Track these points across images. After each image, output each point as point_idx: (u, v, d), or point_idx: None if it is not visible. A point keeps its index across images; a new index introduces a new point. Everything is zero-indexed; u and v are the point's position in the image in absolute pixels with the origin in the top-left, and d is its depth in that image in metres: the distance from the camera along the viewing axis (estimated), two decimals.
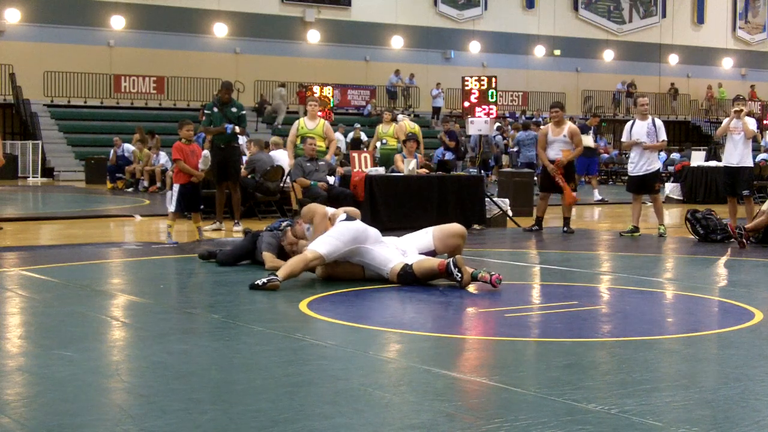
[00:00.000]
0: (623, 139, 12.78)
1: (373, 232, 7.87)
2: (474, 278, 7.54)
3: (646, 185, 12.49)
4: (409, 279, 7.51)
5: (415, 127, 16.99)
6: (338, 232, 7.67)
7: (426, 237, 8.16)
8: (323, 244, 7.56)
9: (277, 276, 7.31)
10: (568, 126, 12.79)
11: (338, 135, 26.81)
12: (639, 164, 12.41)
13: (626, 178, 29.81)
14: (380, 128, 15.18)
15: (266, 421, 3.85)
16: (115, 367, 4.95)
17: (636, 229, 12.38)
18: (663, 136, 12.37)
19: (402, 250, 7.93)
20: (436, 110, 35.66)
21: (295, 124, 13.48)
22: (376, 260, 7.69)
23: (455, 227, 8.30)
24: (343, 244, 7.61)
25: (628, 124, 12.70)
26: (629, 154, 12.99)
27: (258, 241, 8.67)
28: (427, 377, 4.66)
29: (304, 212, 8.16)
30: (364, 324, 6.15)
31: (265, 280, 7.26)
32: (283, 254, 8.34)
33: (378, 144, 15.75)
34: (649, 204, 13.43)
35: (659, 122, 12.52)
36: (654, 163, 12.40)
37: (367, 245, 7.72)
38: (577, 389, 4.41)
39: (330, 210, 8.11)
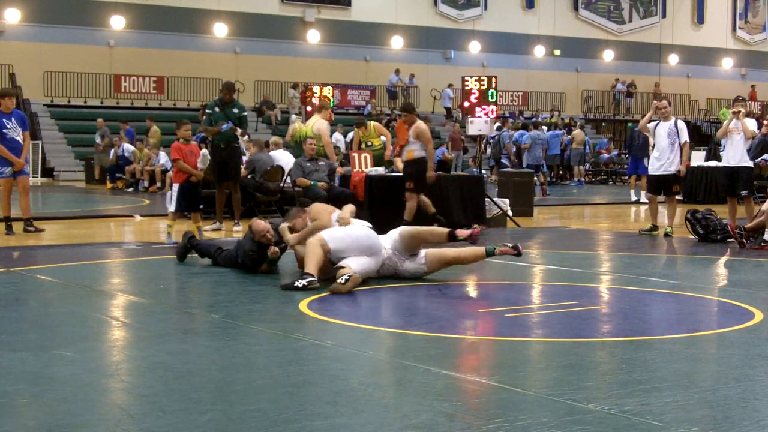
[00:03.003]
0: (650, 135, 12.72)
1: (380, 247, 7.91)
2: (490, 254, 7.86)
3: (664, 186, 12.50)
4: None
5: (309, 127, 17.04)
6: (356, 237, 7.69)
7: (393, 235, 8.12)
8: (333, 238, 7.57)
9: (312, 275, 7.29)
10: (414, 126, 12.37)
11: (338, 135, 26.84)
12: (657, 165, 12.42)
13: (626, 178, 29.99)
14: (360, 133, 15.15)
15: (266, 421, 3.85)
16: (115, 367, 4.96)
17: (655, 228, 12.44)
18: (685, 137, 12.36)
19: (396, 253, 8.06)
20: (448, 110, 35.70)
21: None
22: (362, 269, 7.69)
23: (406, 230, 8.21)
24: (353, 243, 7.63)
25: (653, 123, 12.70)
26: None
27: (241, 244, 8.60)
28: (427, 377, 4.66)
29: (312, 208, 8.18)
30: (364, 324, 6.15)
31: (305, 282, 7.22)
32: (263, 253, 8.37)
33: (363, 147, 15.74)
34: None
35: (682, 124, 12.51)
36: (673, 165, 12.36)
37: (370, 258, 7.75)
38: (577, 389, 4.41)
39: (335, 215, 8.11)
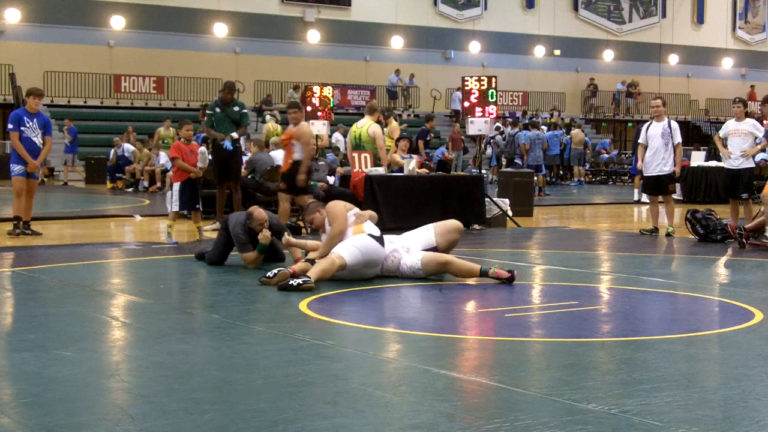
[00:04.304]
0: (640, 140, 12.72)
1: (381, 261, 8.02)
2: (484, 274, 7.82)
3: (660, 186, 12.50)
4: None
5: (278, 128, 17.08)
6: (365, 248, 7.78)
7: (428, 234, 8.45)
8: (350, 255, 7.66)
9: (309, 278, 7.35)
10: (298, 127, 12.02)
11: (338, 135, 26.85)
12: (652, 165, 12.41)
13: (626, 178, 29.97)
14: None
15: (266, 421, 3.85)
16: (115, 367, 4.96)
17: (656, 230, 12.44)
18: (678, 138, 12.37)
19: (406, 247, 8.15)
20: (456, 113, 35.67)
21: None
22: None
23: (454, 223, 8.68)
24: (364, 259, 7.75)
25: (645, 125, 12.68)
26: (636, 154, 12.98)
27: (231, 227, 8.69)
28: (427, 377, 4.66)
29: (329, 208, 8.19)
30: (364, 324, 6.15)
31: (300, 281, 7.28)
32: (253, 239, 8.54)
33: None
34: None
35: (675, 124, 12.51)
36: (667, 164, 12.36)
37: (369, 269, 7.89)
38: (577, 389, 4.41)
39: (352, 212, 8.14)
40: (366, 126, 13.73)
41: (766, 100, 13.22)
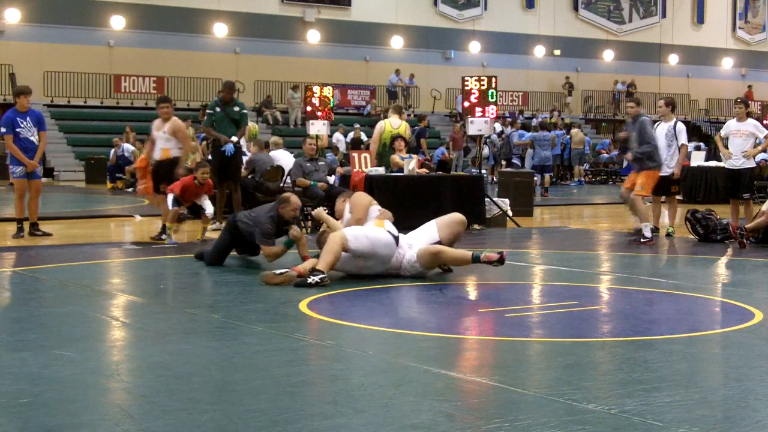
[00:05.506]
0: None
1: (391, 257, 8.03)
2: (476, 260, 7.81)
3: (663, 187, 12.48)
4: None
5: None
6: (377, 240, 7.80)
7: (431, 229, 8.46)
8: (356, 240, 7.67)
9: (323, 271, 7.40)
10: (171, 122, 11.41)
11: (338, 135, 26.88)
12: None
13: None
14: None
15: (266, 421, 3.85)
16: (115, 367, 4.96)
17: (656, 229, 12.42)
18: (682, 139, 12.33)
19: (409, 244, 8.17)
20: (460, 115, 35.66)
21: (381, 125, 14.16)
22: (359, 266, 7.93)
23: (456, 216, 8.69)
24: (371, 250, 7.75)
25: (655, 124, 12.70)
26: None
27: (239, 225, 8.68)
28: (427, 377, 4.66)
29: (353, 198, 8.35)
30: (364, 324, 6.15)
31: (317, 279, 7.35)
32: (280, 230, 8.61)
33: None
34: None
35: (681, 126, 12.49)
36: (670, 166, 12.33)
37: (379, 263, 7.89)
38: (577, 389, 4.41)
39: (376, 207, 8.26)
40: (403, 126, 13.91)
41: None
